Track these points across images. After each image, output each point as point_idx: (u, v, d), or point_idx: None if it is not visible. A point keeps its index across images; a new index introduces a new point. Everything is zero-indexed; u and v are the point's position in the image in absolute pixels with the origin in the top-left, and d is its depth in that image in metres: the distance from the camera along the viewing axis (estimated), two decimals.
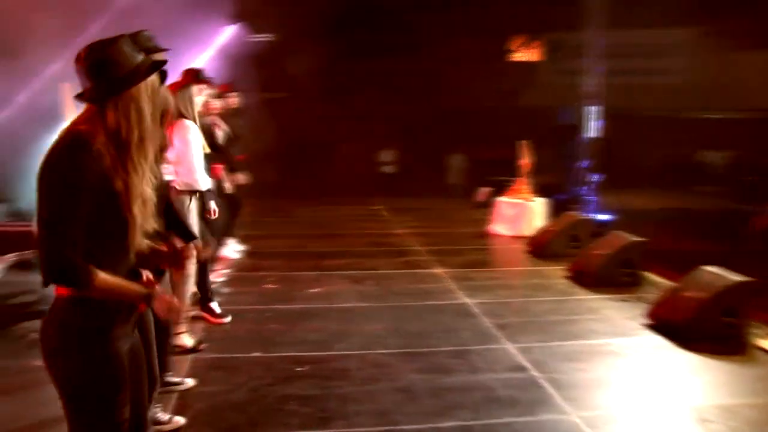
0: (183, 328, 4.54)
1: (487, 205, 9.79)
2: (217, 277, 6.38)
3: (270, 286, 6.38)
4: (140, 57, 2.06)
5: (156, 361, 2.58)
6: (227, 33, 10.26)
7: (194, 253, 2.89)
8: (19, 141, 5.19)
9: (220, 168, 5.86)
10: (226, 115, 7.11)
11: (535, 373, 4.31)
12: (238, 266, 7.06)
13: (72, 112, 3.41)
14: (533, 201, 8.76)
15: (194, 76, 4.48)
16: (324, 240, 8.55)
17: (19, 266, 4.85)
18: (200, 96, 4.06)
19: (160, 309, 2.13)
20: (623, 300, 5.92)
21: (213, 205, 4.67)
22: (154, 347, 2.58)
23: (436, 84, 15.57)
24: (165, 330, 2.87)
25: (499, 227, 8.84)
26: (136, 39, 3.48)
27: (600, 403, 3.93)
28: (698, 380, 4.27)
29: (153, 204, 2.11)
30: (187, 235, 2.78)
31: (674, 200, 11.80)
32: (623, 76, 12.70)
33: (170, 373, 4.02)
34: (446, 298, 5.99)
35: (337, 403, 3.87)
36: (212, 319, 5.20)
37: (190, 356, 4.50)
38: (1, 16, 5.46)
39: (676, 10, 12.81)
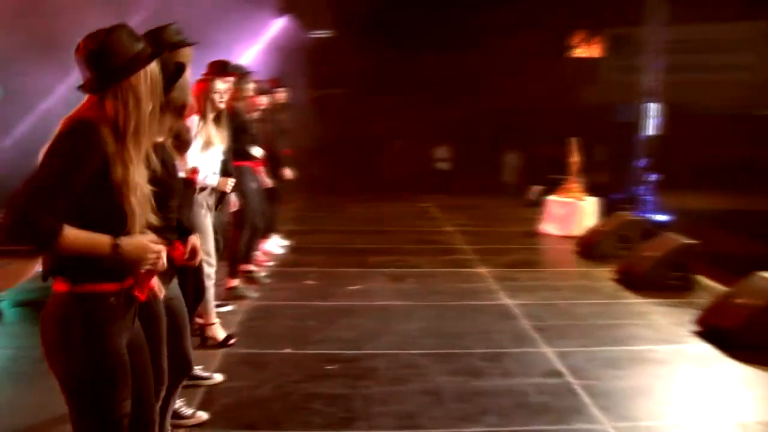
0: (213, 319, 4.53)
1: (538, 204, 9.57)
2: (260, 270, 6.44)
3: (310, 282, 6.37)
4: (139, 46, 2.03)
5: (164, 357, 2.58)
6: (276, 26, 10.30)
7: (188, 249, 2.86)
8: None
9: (258, 163, 5.86)
10: (274, 110, 7.15)
11: (571, 379, 4.15)
12: (280, 261, 7.09)
13: None
14: (584, 200, 8.50)
15: (218, 69, 4.47)
16: (369, 236, 8.51)
17: None
18: (223, 87, 4.01)
19: (133, 256, 2.01)
20: (672, 305, 5.66)
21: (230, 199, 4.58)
22: (164, 342, 2.58)
23: (494, 80, 15.33)
24: (178, 328, 2.85)
25: (548, 226, 8.63)
26: (164, 32, 3.51)
27: (637, 413, 3.74)
28: (746, 394, 4.02)
29: (151, 196, 2.08)
30: (181, 231, 2.76)
31: (734, 201, 11.27)
32: (685, 72, 12.23)
33: (200, 367, 4.05)
34: (487, 299, 5.86)
35: (363, 403, 3.81)
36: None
37: (221, 351, 4.51)
38: (44, 7, 5.60)
39: (742, 3, 12.25)
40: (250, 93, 5.84)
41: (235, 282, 5.74)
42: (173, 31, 3.45)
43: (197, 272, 3.62)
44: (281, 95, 7.36)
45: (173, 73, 2.62)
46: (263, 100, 6.38)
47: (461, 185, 13.10)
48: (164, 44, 3.35)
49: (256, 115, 6.27)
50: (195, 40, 3.51)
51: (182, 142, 3.18)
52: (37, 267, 4.27)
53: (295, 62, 10.60)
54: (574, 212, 8.39)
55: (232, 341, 4.58)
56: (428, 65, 15.54)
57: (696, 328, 5.02)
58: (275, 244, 7.49)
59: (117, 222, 1.99)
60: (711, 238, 7.20)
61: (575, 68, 16.81)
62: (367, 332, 4.98)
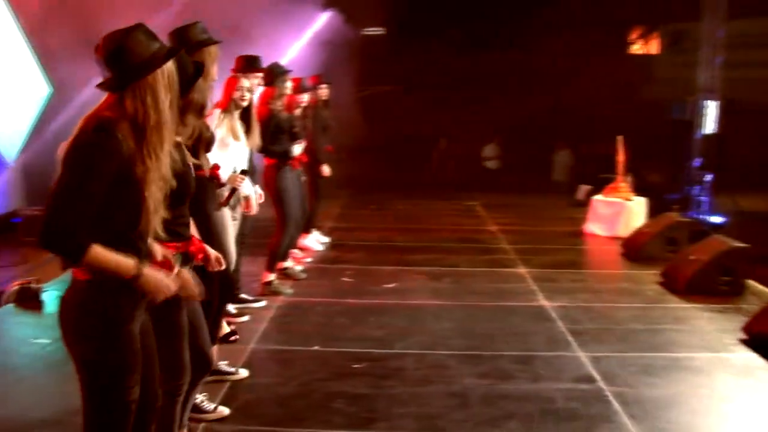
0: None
1: (586, 204, 9.34)
2: (297, 265, 6.47)
3: (346, 279, 6.36)
4: (156, 46, 2.09)
5: (185, 352, 2.61)
6: (322, 21, 10.30)
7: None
8: None
9: (297, 161, 5.87)
10: (316, 107, 7.16)
11: (602, 385, 4.01)
12: (319, 258, 7.10)
13: None
14: (632, 200, 8.24)
15: (243, 65, 4.47)
16: (411, 234, 8.44)
17: None
18: (247, 84, 4.01)
19: (149, 287, 2.10)
20: (718, 310, 5.43)
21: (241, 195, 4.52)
22: (183, 337, 2.62)
23: (548, 77, 15.07)
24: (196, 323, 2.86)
25: (594, 227, 8.40)
26: (190, 31, 3.52)
27: (669, 424, 3.58)
28: None
29: (167, 192, 2.14)
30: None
31: None
32: (744, 68, 11.75)
33: (226, 362, 4.08)
34: (523, 300, 5.74)
35: (385, 403, 3.76)
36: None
37: (249, 346, 4.54)
38: (89, 3, 5.72)
39: None
40: (288, 91, 5.85)
41: (271, 276, 5.77)
42: (199, 30, 3.48)
43: (209, 278, 3.63)
44: (323, 92, 7.36)
45: (192, 74, 2.62)
46: (303, 98, 6.39)
47: (510, 183, 12.89)
48: (190, 43, 3.40)
49: (297, 112, 6.29)
50: (221, 38, 3.53)
51: (205, 140, 3.20)
52: None
53: (341, 58, 10.60)
54: (620, 212, 8.14)
55: (233, 338, 4.52)
56: (481, 63, 15.37)
57: (742, 335, 4.79)
58: (315, 241, 7.51)
59: (133, 217, 2.05)
60: (766, 240, 6.89)
61: (632, 65, 16.37)
62: (397, 331, 4.93)
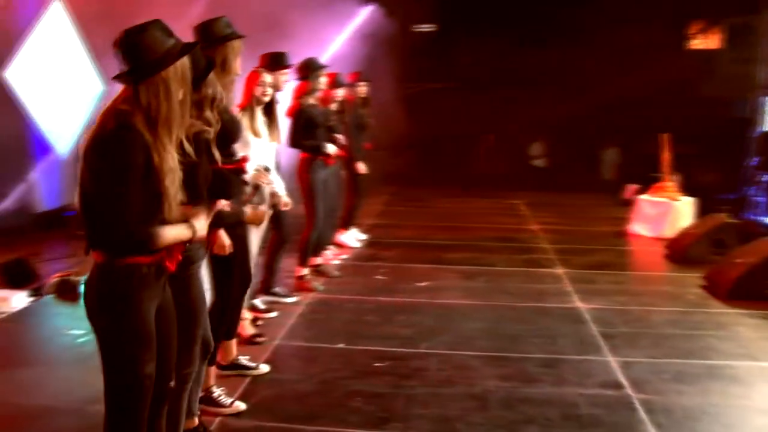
0: (244, 315, 4.48)
1: (633, 203, 9.07)
2: (332, 260, 6.47)
3: (380, 277, 6.33)
4: (171, 42, 2.20)
5: (195, 342, 2.69)
6: (364, 15, 10.23)
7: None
8: None
9: (332, 158, 5.86)
10: (354, 103, 7.14)
11: (630, 392, 3.87)
12: (354, 255, 7.09)
13: None
14: (679, 200, 7.96)
15: (267, 61, 4.46)
16: (449, 232, 8.35)
17: None
18: (269, 80, 4.00)
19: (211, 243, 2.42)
20: (763, 317, 5.18)
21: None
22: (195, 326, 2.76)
23: (602, 74, 14.69)
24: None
25: (639, 227, 8.15)
26: (214, 25, 3.54)
27: None
28: None
29: (180, 179, 2.26)
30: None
31: None
32: None
33: (247, 357, 4.09)
34: (557, 301, 5.60)
35: (404, 403, 3.72)
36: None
37: (274, 342, 4.55)
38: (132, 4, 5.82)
39: None
40: (322, 86, 5.84)
41: (304, 271, 5.79)
42: (223, 24, 3.49)
43: (243, 260, 3.64)
44: (362, 89, 7.34)
45: (204, 68, 2.68)
46: (339, 93, 6.38)
47: (557, 182, 12.64)
48: (213, 37, 3.42)
49: (333, 106, 6.29)
50: (244, 33, 3.53)
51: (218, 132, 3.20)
52: None
53: (387, 54, 10.54)
54: (666, 213, 7.88)
55: (260, 339, 4.51)
56: (533, 60, 15.08)
57: None
58: (353, 237, 7.51)
59: (156, 206, 2.19)
60: None
61: (691, 61, 15.83)
62: (424, 330, 4.87)
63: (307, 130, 5.55)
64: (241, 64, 3.51)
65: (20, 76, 7.50)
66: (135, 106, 2.14)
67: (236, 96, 3.80)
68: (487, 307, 5.42)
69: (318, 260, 6.14)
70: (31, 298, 5.43)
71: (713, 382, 4.06)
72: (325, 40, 8.86)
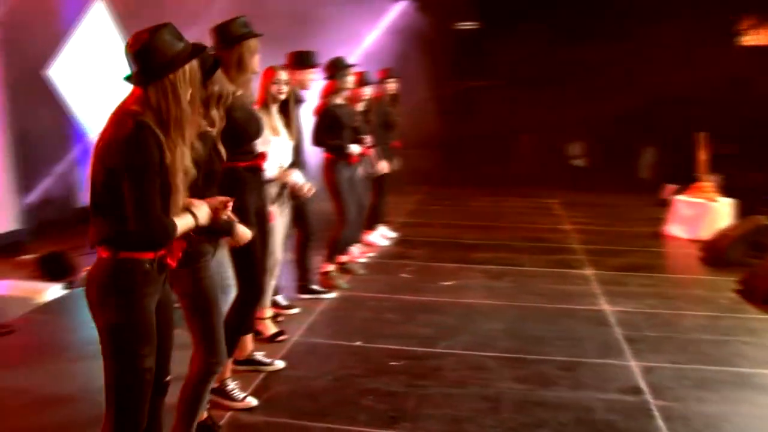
0: (266, 314, 4.50)
1: (671, 204, 8.85)
2: (358, 257, 6.48)
3: (405, 275, 6.30)
4: (180, 45, 2.25)
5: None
6: (396, 11, 10.18)
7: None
8: None
9: (356, 156, 5.85)
10: (382, 101, 7.12)
11: (649, 398, 3.77)
12: (381, 253, 7.08)
13: None
14: (717, 201, 7.73)
15: (295, 61, 4.47)
16: (479, 231, 8.27)
17: None
18: (284, 78, 4.01)
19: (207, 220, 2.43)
20: None
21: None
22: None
23: (649, 71, 14.36)
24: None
25: (675, 228, 7.94)
26: (231, 25, 3.57)
27: None
28: None
29: (190, 179, 2.33)
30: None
31: None
32: None
33: (263, 353, 4.12)
34: (583, 303, 5.49)
35: (415, 403, 3.69)
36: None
37: (292, 339, 4.57)
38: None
39: None
40: (349, 85, 5.84)
41: (330, 267, 5.80)
42: (239, 24, 3.52)
43: (262, 256, 3.62)
44: (391, 86, 7.32)
45: (210, 67, 2.72)
46: (366, 91, 6.36)
47: (595, 181, 12.40)
48: (230, 36, 3.45)
49: (360, 106, 6.28)
50: (261, 32, 3.55)
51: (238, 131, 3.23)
52: None
53: (418, 51, 10.48)
54: (704, 214, 7.65)
55: (281, 338, 4.51)
56: (576, 58, 14.82)
57: None
58: (380, 236, 7.50)
59: (165, 202, 2.24)
60: None
61: (742, 57, 15.35)
62: (443, 330, 4.83)
63: (331, 129, 5.56)
64: (262, 62, 3.54)
65: (63, 74, 7.70)
66: (145, 107, 2.21)
67: (254, 93, 3.83)
68: (510, 308, 5.34)
69: (344, 258, 6.15)
70: (65, 291, 5.57)
71: (739, 390, 3.92)
72: (357, 37, 8.86)
